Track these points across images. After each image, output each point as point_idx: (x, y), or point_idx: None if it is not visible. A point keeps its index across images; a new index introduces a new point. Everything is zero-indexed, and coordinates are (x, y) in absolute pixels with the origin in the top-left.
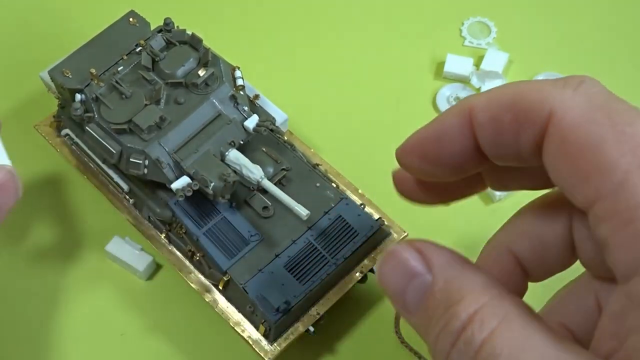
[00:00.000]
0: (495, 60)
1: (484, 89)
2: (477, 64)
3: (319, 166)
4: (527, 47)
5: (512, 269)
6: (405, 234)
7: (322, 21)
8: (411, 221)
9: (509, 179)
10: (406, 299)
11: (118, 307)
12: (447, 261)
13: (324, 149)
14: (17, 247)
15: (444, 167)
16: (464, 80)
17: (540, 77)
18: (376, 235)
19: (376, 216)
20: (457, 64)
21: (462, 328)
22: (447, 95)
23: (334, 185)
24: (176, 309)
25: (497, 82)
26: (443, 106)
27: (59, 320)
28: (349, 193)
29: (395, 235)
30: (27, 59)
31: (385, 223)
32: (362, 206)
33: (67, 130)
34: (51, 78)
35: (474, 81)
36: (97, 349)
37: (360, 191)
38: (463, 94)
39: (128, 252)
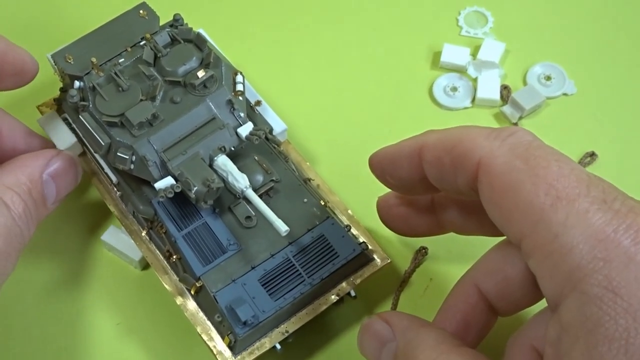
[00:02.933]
0: (492, 50)
1: (480, 78)
2: (474, 54)
3: (312, 181)
4: (523, 37)
5: (479, 305)
6: (388, 260)
7: (318, 16)
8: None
9: (469, 227)
10: None
11: (114, 296)
12: (406, 326)
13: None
14: None
15: (398, 184)
16: (460, 70)
17: (536, 67)
18: (357, 259)
19: (361, 239)
20: (454, 53)
21: None
22: (444, 86)
23: (322, 203)
24: (167, 302)
25: (494, 72)
26: (440, 96)
27: (55, 310)
28: (337, 212)
29: (378, 260)
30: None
31: (369, 247)
32: (348, 228)
33: (65, 115)
34: (54, 62)
35: (471, 71)
36: (92, 338)
37: (349, 212)
38: (460, 84)
39: (124, 242)
